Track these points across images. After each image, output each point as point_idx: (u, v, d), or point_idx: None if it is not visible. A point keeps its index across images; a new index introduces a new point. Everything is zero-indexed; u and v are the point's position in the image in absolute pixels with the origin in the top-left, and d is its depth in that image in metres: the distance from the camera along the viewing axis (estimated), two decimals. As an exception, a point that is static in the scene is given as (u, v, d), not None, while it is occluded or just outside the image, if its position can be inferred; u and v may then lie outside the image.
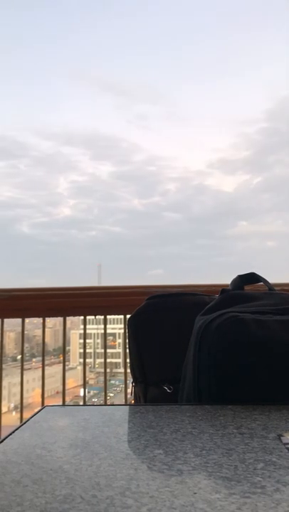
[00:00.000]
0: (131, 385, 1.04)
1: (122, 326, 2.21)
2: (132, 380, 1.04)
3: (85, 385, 2.39)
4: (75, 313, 2.30)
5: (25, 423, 0.61)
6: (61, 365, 2.25)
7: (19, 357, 2.48)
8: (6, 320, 2.17)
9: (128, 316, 1.07)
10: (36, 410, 0.68)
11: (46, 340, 2.29)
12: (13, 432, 0.57)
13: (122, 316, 2.15)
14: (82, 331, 2.34)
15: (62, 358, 2.36)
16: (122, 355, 2.58)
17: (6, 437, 0.55)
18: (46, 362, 2.26)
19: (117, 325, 2.46)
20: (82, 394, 2.45)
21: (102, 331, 2.24)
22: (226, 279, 0.96)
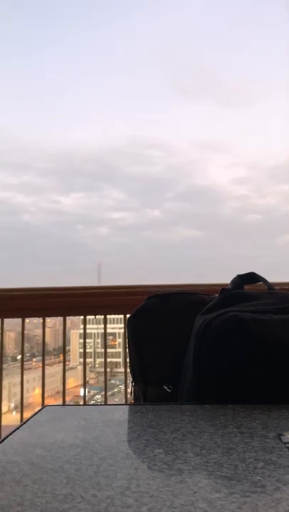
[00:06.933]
0: (131, 384, 1.04)
1: (122, 325, 2.20)
2: (132, 380, 1.04)
3: (85, 384, 2.39)
4: (75, 313, 2.30)
5: (25, 423, 0.61)
6: (61, 364, 2.25)
7: (19, 357, 2.48)
8: (6, 320, 2.17)
9: (128, 316, 1.07)
10: (36, 410, 0.68)
11: (46, 340, 2.29)
12: (13, 431, 0.57)
13: (122, 316, 2.15)
14: (82, 331, 2.34)
15: (62, 358, 2.36)
16: (122, 354, 2.58)
17: (6, 437, 0.55)
18: (46, 362, 2.26)
19: (117, 325, 2.46)
20: (82, 394, 2.45)
21: (102, 331, 2.24)
22: (226, 278, 0.96)
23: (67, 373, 2.25)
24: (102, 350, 2.33)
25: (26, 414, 2.22)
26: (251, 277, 0.94)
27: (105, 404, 1.95)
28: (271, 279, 0.99)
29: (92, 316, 2.24)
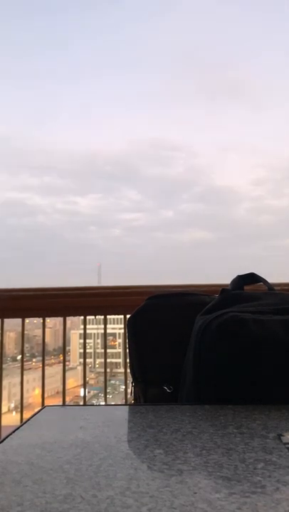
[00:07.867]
0: (131, 385, 1.04)
1: (122, 326, 2.21)
2: (132, 380, 1.04)
3: (85, 385, 2.39)
4: (75, 313, 2.30)
5: (25, 423, 0.61)
6: (61, 365, 2.25)
7: (19, 357, 2.48)
8: (6, 320, 2.17)
9: (128, 316, 1.07)
10: (36, 410, 0.68)
11: (46, 340, 2.29)
12: (13, 431, 0.57)
13: (122, 316, 2.15)
14: (82, 331, 2.34)
15: (62, 358, 2.36)
16: (122, 355, 2.58)
17: (6, 437, 0.55)
18: (46, 362, 2.26)
19: (117, 325, 2.46)
20: (82, 394, 2.45)
21: (102, 331, 2.24)
22: (227, 279, 0.96)
23: (67, 373, 2.25)
24: (102, 350, 2.33)
25: (26, 415, 2.22)
26: (251, 278, 0.94)
27: (105, 404, 1.95)
28: (277, 279, 0.98)
29: (92, 317, 2.24)
